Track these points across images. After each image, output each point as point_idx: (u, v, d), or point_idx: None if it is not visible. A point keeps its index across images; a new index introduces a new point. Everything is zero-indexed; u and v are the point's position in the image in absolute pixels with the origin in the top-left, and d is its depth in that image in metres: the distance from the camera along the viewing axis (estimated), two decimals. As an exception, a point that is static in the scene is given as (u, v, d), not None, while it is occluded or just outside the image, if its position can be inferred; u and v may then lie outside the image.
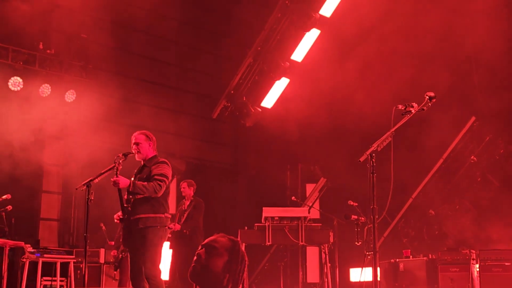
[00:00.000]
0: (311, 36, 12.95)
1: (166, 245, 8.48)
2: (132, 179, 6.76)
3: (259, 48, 13.24)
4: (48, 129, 11.86)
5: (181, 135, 14.43)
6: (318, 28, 12.79)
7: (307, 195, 14.64)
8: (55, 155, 12.62)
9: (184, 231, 10.16)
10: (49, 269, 10.52)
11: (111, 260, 10.56)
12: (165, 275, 9.45)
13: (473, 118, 12.72)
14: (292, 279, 13.77)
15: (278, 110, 13.46)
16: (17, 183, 11.10)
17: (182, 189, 10.46)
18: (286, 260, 13.91)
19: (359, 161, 5.21)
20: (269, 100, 13.64)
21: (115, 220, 6.87)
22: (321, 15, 12.58)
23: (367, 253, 7.28)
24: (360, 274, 7.31)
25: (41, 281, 10.38)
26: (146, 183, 6.66)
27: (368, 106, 11.31)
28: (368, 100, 11.50)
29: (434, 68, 11.66)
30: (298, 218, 9.37)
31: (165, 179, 6.75)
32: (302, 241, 9.31)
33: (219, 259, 3.28)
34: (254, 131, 14.23)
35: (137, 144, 6.88)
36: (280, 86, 13.45)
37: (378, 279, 5.26)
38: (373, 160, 5.18)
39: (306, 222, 9.38)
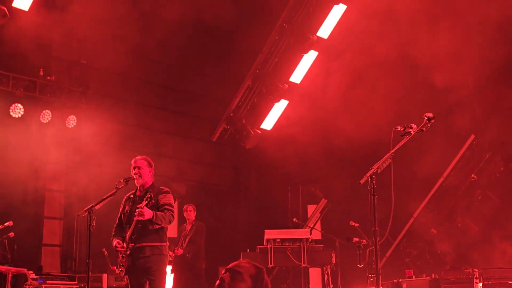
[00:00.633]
0: (309, 57, 13.04)
1: (168, 269, 8.47)
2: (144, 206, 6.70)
3: (257, 71, 13.33)
4: (49, 155, 11.89)
5: (182, 159, 14.46)
6: (315, 49, 12.89)
7: (309, 216, 14.60)
8: (57, 181, 12.65)
9: (187, 255, 10.15)
10: (52, 295, 10.50)
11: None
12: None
13: (472, 136, 12.74)
14: (295, 301, 13.70)
15: (278, 132, 13.48)
16: (18, 210, 11.13)
17: (188, 212, 10.44)
18: (289, 282, 13.83)
19: (360, 183, 5.23)
20: (268, 122, 13.67)
21: (117, 249, 6.83)
22: (318, 37, 12.67)
23: (370, 275, 7.26)
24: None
25: (44, 307, 10.35)
26: (163, 213, 6.75)
27: (367, 128, 11.33)
28: (368, 121, 11.52)
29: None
30: (300, 240, 9.38)
31: (173, 209, 6.91)
32: (304, 263, 9.31)
33: (242, 285, 3.25)
34: (255, 153, 14.25)
35: (139, 168, 6.92)
36: (279, 108, 13.49)
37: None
38: (374, 182, 5.20)
39: (308, 244, 9.39)
